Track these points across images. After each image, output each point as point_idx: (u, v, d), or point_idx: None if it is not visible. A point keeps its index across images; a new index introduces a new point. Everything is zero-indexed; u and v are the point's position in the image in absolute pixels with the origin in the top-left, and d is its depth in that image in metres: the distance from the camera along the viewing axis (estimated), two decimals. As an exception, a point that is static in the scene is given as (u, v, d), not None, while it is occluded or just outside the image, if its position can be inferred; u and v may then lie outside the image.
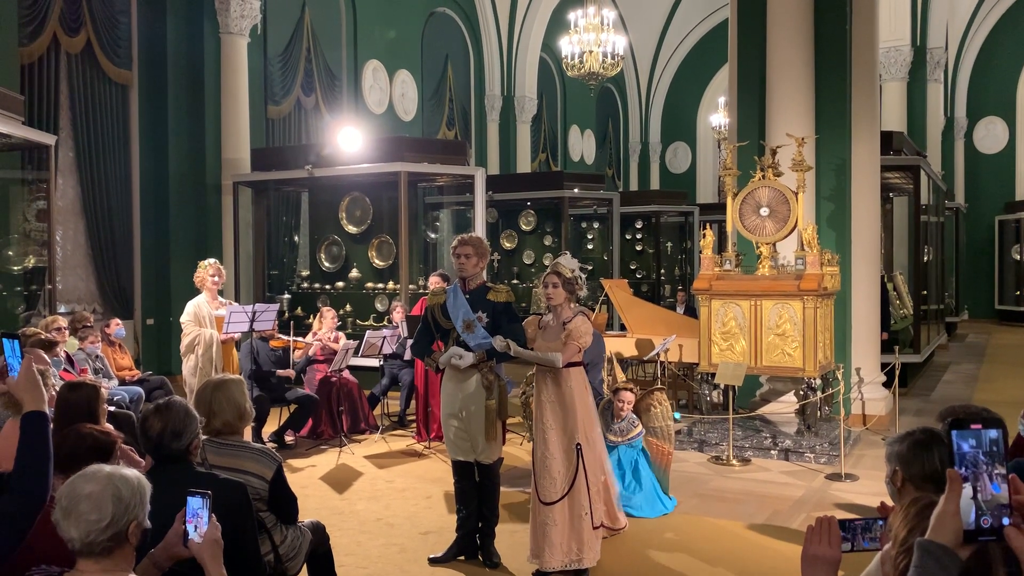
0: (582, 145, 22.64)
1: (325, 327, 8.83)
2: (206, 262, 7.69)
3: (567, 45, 14.58)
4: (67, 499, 2.09)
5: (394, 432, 8.62)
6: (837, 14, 8.65)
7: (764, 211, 7.51)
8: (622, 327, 10.56)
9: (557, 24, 18.53)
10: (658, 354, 8.82)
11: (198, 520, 2.39)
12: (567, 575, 4.69)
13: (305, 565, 3.85)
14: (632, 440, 5.96)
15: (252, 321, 7.47)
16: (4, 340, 2.55)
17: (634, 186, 24.68)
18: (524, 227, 15.80)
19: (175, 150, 11.63)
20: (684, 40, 24.36)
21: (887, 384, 8.53)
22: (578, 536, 4.69)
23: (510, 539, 5.17)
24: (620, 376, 6.11)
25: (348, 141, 10.78)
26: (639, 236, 18.22)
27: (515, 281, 15.45)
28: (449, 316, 4.93)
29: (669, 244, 18.58)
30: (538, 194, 15.21)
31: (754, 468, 7.14)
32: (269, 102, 13.00)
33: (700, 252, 7.97)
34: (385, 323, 10.46)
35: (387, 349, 8.54)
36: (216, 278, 7.55)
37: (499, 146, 18.87)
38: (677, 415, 6.22)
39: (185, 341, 7.40)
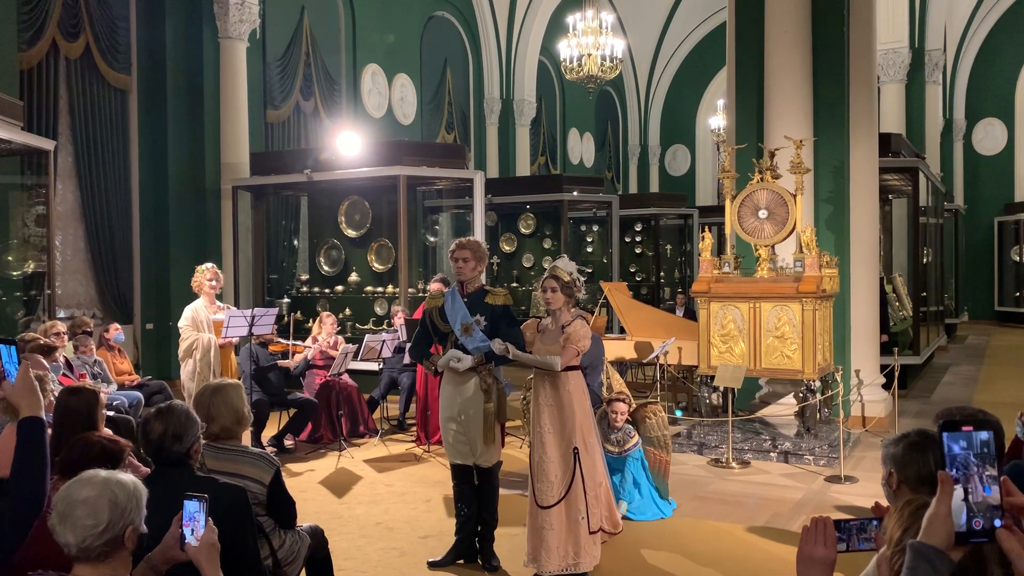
0: (581, 148, 22.66)
1: (325, 332, 8.83)
2: (203, 266, 7.69)
3: (566, 48, 14.60)
4: (63, 504, 2.09)
5: (393, 436, 8.62)
6: (835, 16, 8.66)
7: (763, 213, 7.51)
8: (621, 330, 10.56)
9: (556, 27, 18.55)
10: (657, 357, 8.82)
11: (195, 524, 2.39)
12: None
13: (304, 569, 3.85)
14: (629, 451, 5.95)
15: (251, 325, 7.47)
16: (1, 346, 2.55)
17: (633, 189, 24.69)
18: (523, 230, 15.81)
19: (174, 155, 11.64)
20: (683, 43, 24.38)
21: (886, 386, 8.52)
22: (575, 540, 4.68)
23: (509, 543, 5.17)
24: (616, 381, 6.09)
25: (347, 145, 10.79)
26: (638, 239, 18.23)
27: (515, 284, 15.45)
28: (447, 319, 4.94)
29: (668, 247, 18.58)
30: (537, 197, 15.22)
31: (753, 470, 7.14)
32: (268, 106, 13.01)
33: (699, 255, 7.98)
34: (385, 327, 10.47)
35: (386, 353, 8.54)
36: (214, 282, 7.55)
37: (498, 149, 18.89)
38: (679, 412, 6.21)
39: (183, 346, 7.40)
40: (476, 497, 5.01)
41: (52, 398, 4.21)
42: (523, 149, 19.36)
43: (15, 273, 9.14)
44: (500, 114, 18.91)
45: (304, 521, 4.00)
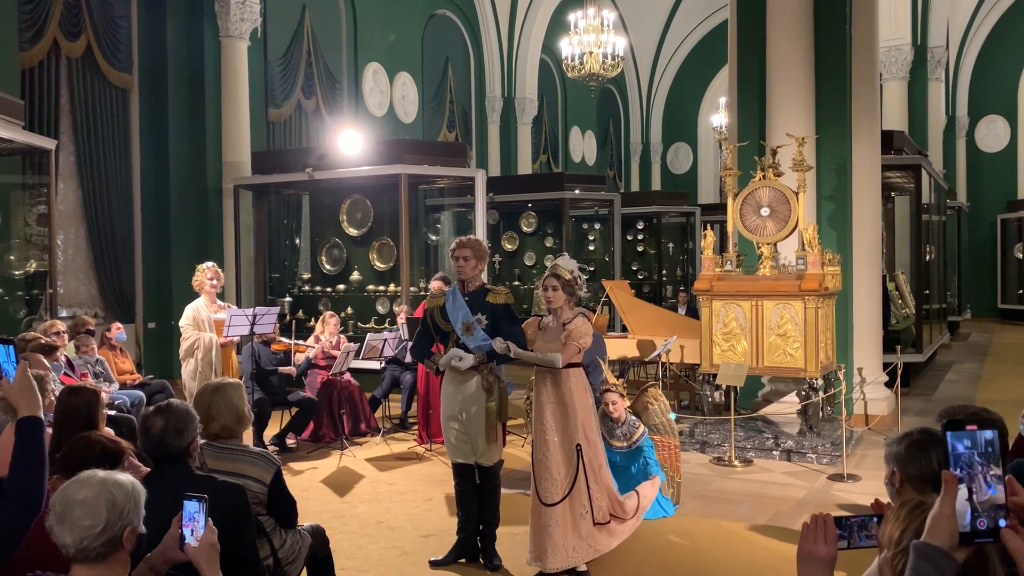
0: (583, 146, 22.63)
1: (328, 332, 8.82)
2: (204, 265, 7.69)
3: (567, 46, 14.57)
4: (61, 505, 2.08)
5: (395, 435, 8.61)
6: (837, 13, 8.63)
7: (765, 211, 7.50)
8: (623, 328, 10.55)
9: (557, 25, 18.52)
10: (659, 355, 8.81)
11: (194, 524, 2.39)
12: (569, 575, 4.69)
13: (305, 569, 3.85)
14: (638, 442, 5.87)
15: (253, 324, 7.47)
16: None
17: (635, 187, 24.66)
18: (525, 229, 15.79)
19: (176, 154, 11.63)
20: (684, 41, 24.34)
21: (889, 384, 8.51)
22: (579, 536, 4.69)
23: (511, 541, 5.16)
24: (610, 379, 6.07)
25: (349, 144, 10.78)
26: (640, 237, 18.21)
27: (516, 283, 15.44)
28: (448, 319, 4.93)
29: (670, 245, 18.56)
30: (539, 195, 15.20)
31: (756, 469, 7.13)
32: (270, 105, 13.00)
33: (701, 253, 7.96)
34: (387, 325, 10.46)
35: (388, 352, 8.53)
36: (214, 281, 7.55)
37: (500, 148, 18.86)
38: (673, 415, 6.18)
39: (184, 345, 7.40)
40: (477, 497, 5.00)
41: (53, 398, 4.21)
42: (525, 147, 19.34)
43: (17, 272, 9.14)
44: (501, 112, 18.88)
45: (305, 520, 4.00)
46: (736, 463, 7.18)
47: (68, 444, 3.11)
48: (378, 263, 11.29)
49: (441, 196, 12.78)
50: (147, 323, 11.51)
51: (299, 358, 8.62)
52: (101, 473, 2.15)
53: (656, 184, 25.05)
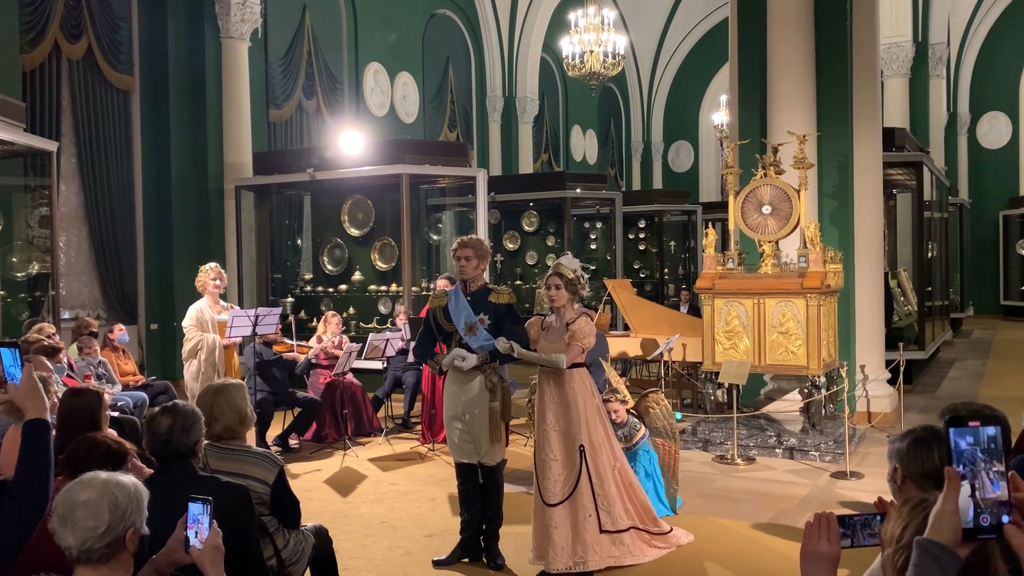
0: (584, 145, 22.63)
1: (330, 332, 8.82)
2: (207, 266, 7.69)
3: (568, 45, 14.57)
4: (63, 506, 2.08)
5: (398, 435, 8.62)
6: (837, 10, 8.62)
7: (766, 209, 7.49)
8: (625, 327, 10.55)
9: (558, 24, 18.52)
10: (662, 354, 8.81)
11: (199, 526, 2.39)
12: (571, 577, 4.68)
13: (308, 569, 3.85)
14: (638, 444, 5.89)
15: (255, 325, 7.47)
16: (3, 350, 2.54)
17: (637, 185, 24.66)
18: (527, 228, 15.80)
19: (177, 155, 11.64)
20: (685, 39, 24.33)
21: (892, 381, 8.50)
22: (582, 539, 4.67)
23: (514, 541, 5.16)
24: (613, 378, 6.06)
25: (350, 144, 10.78)
26: (642, 235, 18.20)
27: (518, 282, 15.45)
28: (451, 319, 4.93)
29: (672, 243, 18.55)
30: (540, 195, 15.20)
31: (759, 467, 7.13)
32: (271, 106, 13.01)
33: (703, 251, 7.96)
34: (389, 325, 10.47)
35: (390, 352, 8.54)
36: (217, 282, 7.55)
37: (501, 147, 18.87)
38: (679, 415, 6.17)
39: (187, 346, 7.40)
40: (480, 497, 5.00)
41: (56, 399, 4.21)
42: (526, 146, 19.34)
43: (19, 274, 9.15)
44: (502, 112, 18.89)
45: (308, 520, 4.00)
46: (739, 461, 7.18)
47: (73, 445, 3.12)
48: (380, 263, 11.29)
49: (442, 196, 12.78)
50: (149, 324, 11.52)
51: (300, 359, 8.62)
52: (104, 474, 2.16)
53: (657, 183, 25.05)
